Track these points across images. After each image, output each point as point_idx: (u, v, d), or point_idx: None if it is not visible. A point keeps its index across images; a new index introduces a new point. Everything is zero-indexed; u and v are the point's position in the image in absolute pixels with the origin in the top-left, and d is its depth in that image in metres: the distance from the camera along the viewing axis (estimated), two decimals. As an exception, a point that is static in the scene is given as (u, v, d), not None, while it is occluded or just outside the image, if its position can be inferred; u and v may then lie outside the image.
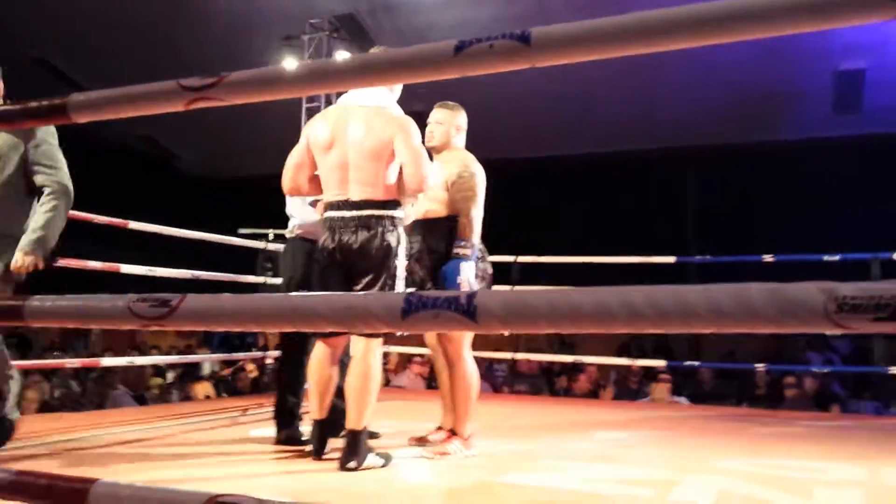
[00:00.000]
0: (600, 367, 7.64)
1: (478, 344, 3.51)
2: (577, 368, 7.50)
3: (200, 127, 9.89)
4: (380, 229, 2.86)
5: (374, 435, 3.56)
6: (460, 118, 3.42)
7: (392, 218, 2.91)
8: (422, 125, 3.07)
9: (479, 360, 3.42)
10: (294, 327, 0.95)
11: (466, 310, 0.82)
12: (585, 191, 10.90)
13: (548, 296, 0.81)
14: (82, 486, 1.03)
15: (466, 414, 3.21)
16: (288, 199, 3.54)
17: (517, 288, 5.45)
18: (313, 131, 3.00)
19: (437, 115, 3.40)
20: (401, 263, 2.94)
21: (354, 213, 2.87)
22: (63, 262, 3.94)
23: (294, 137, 3.18)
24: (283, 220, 3.74)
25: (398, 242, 2.91)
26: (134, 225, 4.44)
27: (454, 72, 0.82)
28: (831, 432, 4.44)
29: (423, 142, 3.31)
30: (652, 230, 10.11)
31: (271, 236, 6.11)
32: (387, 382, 8.24)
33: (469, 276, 3.11)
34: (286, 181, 3.06)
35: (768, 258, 5.32)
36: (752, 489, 2.61)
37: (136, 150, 11.47)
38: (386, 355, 8.04)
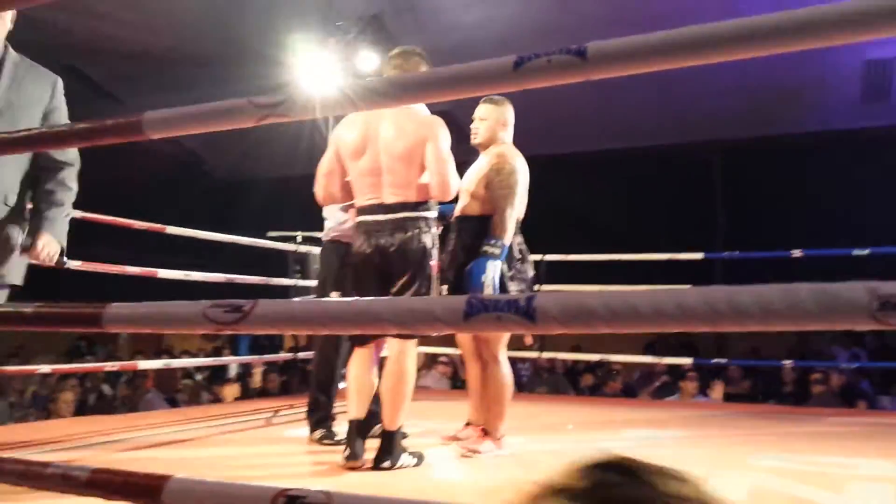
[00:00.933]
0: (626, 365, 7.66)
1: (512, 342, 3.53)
2: (606, 370, 7.50)
3: (225, 130, 10.00)
4: (416, 231, 2.89)
5: (403, 435, 3.62)
6: (506, 113, 3.35)
7: (426, 219, 2.95)
8: (448, 125, 3.04)
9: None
10: (360, 330, 1.00)
11: (526, 312, 0.87)
12: (610, 187, 10.88)
13: (604, 297, 0.85)
14: (157, 482, 1.09)
15: (500, 414, 3.23)
16: (324, 208, 3.60)
17: (545, 288, 5.48)
18: (342, 138, 3.01)
19: (481, 111, 3.34)
20: (434, 263, 2.98)
21: (389, 216, 2.90)
22: (103, 268, 4.03)
23: (317, 138, 3.24)
24: (310, 223, 3.84)
25: (433, 243, 2.96)
26: (171, 229, 4.53)
27: (513, 86, 0.88)
28: (860, 429, 4.43)
29: (469, 139, 3.35)
30: (678, 226, 10.06)
31: (300, 238, 6.16)
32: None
33: (494, 275, 3.03)
34: (319, 190, 3.10)
35: (797, 253, 5.31)
36: (784, 484, 2.64)
37: (162, 154, 11.62)
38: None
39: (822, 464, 3.04)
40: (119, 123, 1.06)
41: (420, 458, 2.99)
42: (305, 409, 3.67)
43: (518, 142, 3.39)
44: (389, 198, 2.91)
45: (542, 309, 0.87)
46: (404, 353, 2.91)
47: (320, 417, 3.56)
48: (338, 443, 3.31)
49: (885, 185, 9.15)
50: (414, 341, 2.98)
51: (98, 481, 1.14)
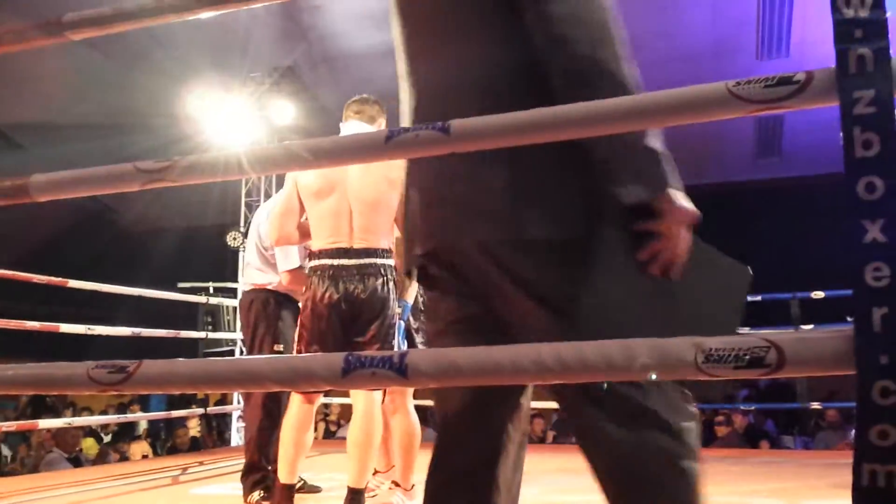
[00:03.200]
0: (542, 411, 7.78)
1: (419, 392, 3.57)
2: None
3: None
4: (383, 278, 2.83)
5: (314, 488, 3.58)
6: None
7: (390, 267, 2.88)
8: None
9: (420, 409, 3.48)
10: (244, 388, 1.04)
11: (399, 368, 0.92)
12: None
13: (471, 353, 0.92)
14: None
15: (410, 465, 3.23)
16: (276, 248, 3.39)
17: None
18: (304, 176, 2.91)
19: None
20: (394, 312, 2.90)
21: (355, 261, 2.81)
22: (2, 324, 3.90)
23: (230, 189, 3.21)
24: (221, 274, 3.76)
25: (393, 291, 2.88)
26: (74, 283, 4.42)
27: (385, 157, 0.95)
28: (758, 468, 4.63)
29: None
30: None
31: (211, 290, 6.09)
32: (330, 434, 8.21)
33: (399, 337, 3.06)
34: (273, 231, 2.99)
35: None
36: None
37: (69, 203, 11.29)
38: (327, 406, 8.02)
39: None
40: (5, 186, 1.08)
41: None
42: (239, 470, 3.48)
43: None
44: (358, 242, 2.83)
45: (413, 365, 0.92)
46: (372, 406, 2.81)
47: (259, 479, 3.38)
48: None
49: (778, 233, 9.68)
50: (379, 394, 2.89)
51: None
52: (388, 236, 2.90)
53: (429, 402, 6.87)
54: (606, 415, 1.10)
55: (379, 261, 2.83)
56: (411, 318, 3.16)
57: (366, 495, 2.96)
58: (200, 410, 7.30)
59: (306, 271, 2.92)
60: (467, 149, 0.92)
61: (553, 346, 0.86)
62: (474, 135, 0.91)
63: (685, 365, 0.78)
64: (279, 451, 2.87)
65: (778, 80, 0.85)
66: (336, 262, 2.81)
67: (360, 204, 2.84)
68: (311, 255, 2.88)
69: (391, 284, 2.86)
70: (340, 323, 2.79)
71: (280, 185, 3.54)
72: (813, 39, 6.93)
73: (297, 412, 2.84)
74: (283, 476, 2.84)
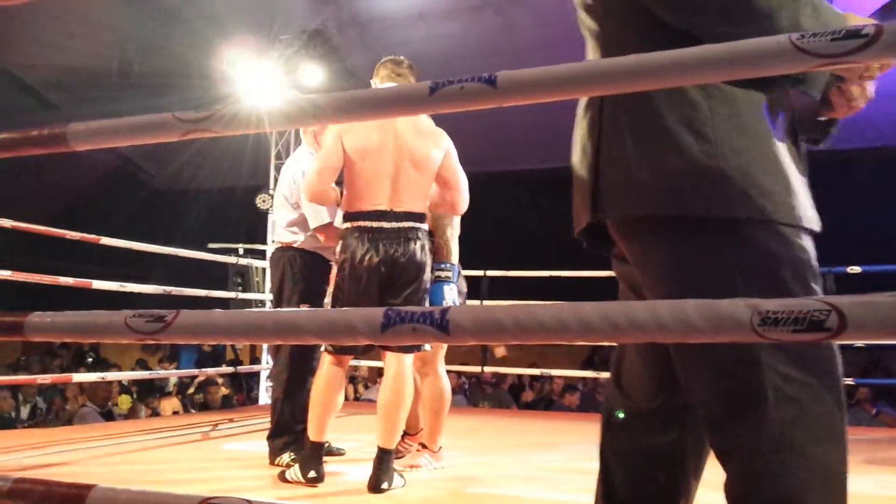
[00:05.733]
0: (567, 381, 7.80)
1: (448, 357, 3.57)
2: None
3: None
4: (421, 242, 2.82)
5: (339, 451, 3.61)
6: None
7: (426, 231, 2.88)
8: None
9: (449, 374, 3.49)
10: (281, 340, 1.03)
11: (440, 324, 0.91)
12: (551, 205, 11.04)
13: (513, 311, 0.90)
14: (80, 491, 1.10)
15: (438, 428, 3.26)
16: (305, 204, 3.30)
17: (486, 303, 5.55)
18: (353, 135, 2.82)
19: None
20: (429, 277, 2.90)
21: (395, 224, 2.77)
22: (36, 278, 3.95)
23: (261, 150, 3.16)
24: (252, 235, 3.75)
25: (429, 256, 2.88)
26: (106, 240, 4.46)
27: (429, 110, 0.93)
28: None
29: None
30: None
31: (241, 251, 6.12)
32: (356, 397, 8.29)
33: (453, 298, 3.09)
34: (313, 185, 2.85)
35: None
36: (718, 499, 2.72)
37: (103, 164, 11.39)
38: (356, 368, 8.09)
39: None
40: (43, 135, 1.07)
41: (404, 479, 2.90)
42: (267, 428, 3.44)
43: (475, 159, 3.42)
44: (400, 205, 2.79)
45: (455, 321, 0.91)
46: (403, 369, 2.81)
47: (289, 441, 3.32)
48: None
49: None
50: (412, 356, 2.89)
51: (18, 491, 1.13)
52: (425, 199, 2.89)
53: (458, 367, 6.93)
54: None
55: (417, 224, 2.82)
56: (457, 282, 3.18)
57: (393, 456, 2.97)
58: (230, 369, 7.40)
59: (341, 230, 2.88)
60: (514, 102, 0.89)
61: (599, 305, 0.83)
62: (522, 87, 0.88)
63: (740, 327, 0.76)
64: (310, 410, 2.88)
65: (845, 33, 0.80)
66: (376, 224, 2.77)
67: (409, 163, 2.80)
68: (348, 216, 2.83)
69: (427, 249, 2.85)
70: (378, 287, 2.77)
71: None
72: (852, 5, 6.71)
73: (328, 373, 2.83)
74: (313, 434, 2.85)
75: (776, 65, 0.84)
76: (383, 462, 2.77)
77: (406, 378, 2.81)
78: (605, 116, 1.15)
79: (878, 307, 0.73)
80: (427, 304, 2.90)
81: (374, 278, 2.75)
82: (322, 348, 2.92)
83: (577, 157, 1.25)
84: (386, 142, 2.81)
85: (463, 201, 2.96)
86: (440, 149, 2.88)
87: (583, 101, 1.23)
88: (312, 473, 2.82)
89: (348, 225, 2.82)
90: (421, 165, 2.83)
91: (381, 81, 3.07)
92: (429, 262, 2.87)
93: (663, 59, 0.85)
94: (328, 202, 3.00)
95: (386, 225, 2.76)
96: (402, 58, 3.12)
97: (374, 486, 2.75)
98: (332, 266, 2.94)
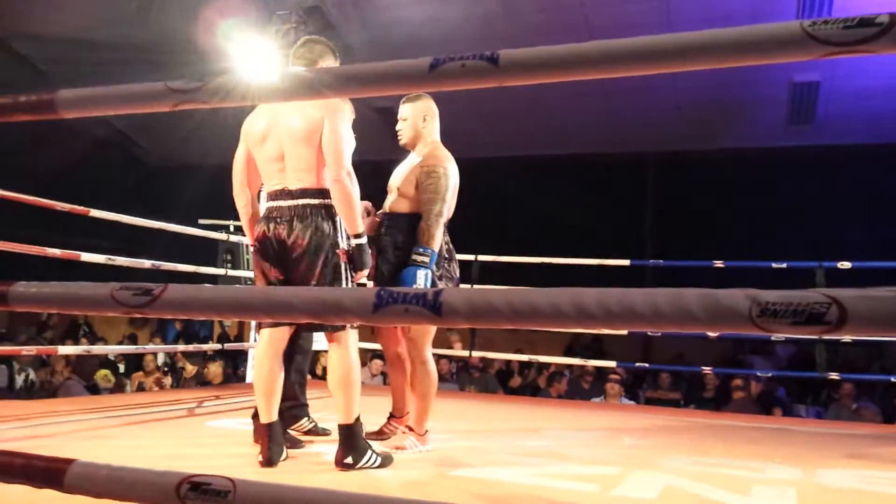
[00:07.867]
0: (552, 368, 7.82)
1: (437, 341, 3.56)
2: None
3: (158, 114, 9.75)
4: (317, 218, 2.81)
5: (324, 431, 3.60)
6: (425, 108, 3.32)
7: (329, 206, 2.84)
8: (391, 121, 3.02)
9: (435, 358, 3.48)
10: (270, 318, 1.01)
11: (433, 305, 0.89)
12: (547, 192, 11.02)
13: (507, 295, 0.88)
14: (60, 465, 1.08)
15: (425, 411, 3.25)
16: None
17: (478, 287, 5.54)
18: (248, 126, 2.98)
19: (402, 111, 3.35)
20: (339, 253, 2.85)
21: (290, 202, 2.82)
22: (23, 249, 3.91)
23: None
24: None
25: (335, 230, 2.85)
26: (95, 213, 4.42)
27: (429, 87, 0.90)
28: (771, 435, 4.61)
29: (398, 141, 3.36)
30: (610, 233, 10.28)
31: (231, 227, 6.07)
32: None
33: (425, 284, 3.04)
34: (233, 181, 3.06)
35: (718, 264, 5.50)
36: (694, 486, 2.73)
37: (96, 137, 11.29)
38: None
39: (731, 466, 3.15)
40: (31, 100, 1.04)
41: (387, 459, 2.87)
42: (251, 408, 3.49)
43: (459, 144, 3.41)
44: (293, 183, 2.85)
45: (447, 303, 0.89)
46: (341, 342, 2.82)
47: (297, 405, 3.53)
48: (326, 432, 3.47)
49: (804, 203, 9.54)
50: (348, 329, 2.86)
51: (-3, 464, 1.11)
52: (320, 173, 2.85)
53: (443, 351, 6.91)
54: None
55: (314, 200, 2.83)
56: (433, 266, 3.13)
57: (380, 439, 2.94)
58: (218, 346, 7.38)
59: None
60: (515, 82, 0.87)
61: (597, 291, 0.82)
62: (523, 66, 0.86)
63: (738, 318, 0.74)
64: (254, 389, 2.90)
65: (858, 22, 0.79)
66: (275, 203, 2.86)
67: (292, 142, 2.84)
68: (266, 199, 2.94)
69: (326, 224, 2.82)
70: (278, 265, 2.82)
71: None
72: (857, 2, 6.69)
73: (260, 344, 2.86)
74: (263, 415, 2.84)
75: (786, 52, 0.82)
76: (348, 438, 2.78)
77: (350, 349, 2.83)
78: None
79: (882, 302, 0.72)
80: (339, 281, 2.81)
81: (271, 256, 2.84)
82: (254, 325, 2.97)
83: None
84: (272, 125, 2.88)
85: (333, 158, 2.80)
86: (319, 120, 2.81)
87: None
88: (268, 454, 2.78)
89: (265, 206, 2.92)
90: (303, 141, 2.83)
91: (293, 63, 3.08)
92: (332, 238, 2.82)
93: (669, 42, 0.83)
94: (241, 201, 3.09)
95: (282, 204, 2.84)
96: (318, 38, 3.18)
97: (339, 461, 2.76)
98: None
